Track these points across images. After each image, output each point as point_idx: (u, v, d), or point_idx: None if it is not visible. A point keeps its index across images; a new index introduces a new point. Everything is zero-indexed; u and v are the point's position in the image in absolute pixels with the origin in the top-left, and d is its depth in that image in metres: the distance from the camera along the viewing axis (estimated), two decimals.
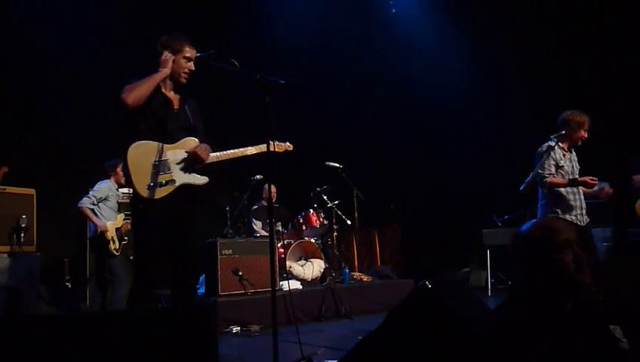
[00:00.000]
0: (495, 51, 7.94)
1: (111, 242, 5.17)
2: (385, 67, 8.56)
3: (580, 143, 4.34)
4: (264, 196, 7.08)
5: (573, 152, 4.43)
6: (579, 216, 4.24)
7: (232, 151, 3.30)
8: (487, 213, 7.80)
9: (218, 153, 3.22)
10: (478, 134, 8.02)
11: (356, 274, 6.79)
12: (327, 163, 6.55)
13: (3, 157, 5.26)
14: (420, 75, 8.36)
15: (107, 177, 5.41)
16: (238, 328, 4.96)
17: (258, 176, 6.52)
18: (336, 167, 6.54)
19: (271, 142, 3.45)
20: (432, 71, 8.30)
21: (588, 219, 4.31)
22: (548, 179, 4.16)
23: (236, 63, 2.88)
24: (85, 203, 5.15)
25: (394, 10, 8.82)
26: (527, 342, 1.71)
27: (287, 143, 3.62)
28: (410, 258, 8.35)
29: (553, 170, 4.21)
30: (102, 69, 6.15)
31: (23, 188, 5.25)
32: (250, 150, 3.36)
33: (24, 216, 5.09)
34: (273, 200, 6.80)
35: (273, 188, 6.65)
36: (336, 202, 6.73)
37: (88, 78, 6.29)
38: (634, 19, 6.85)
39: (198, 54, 3.12)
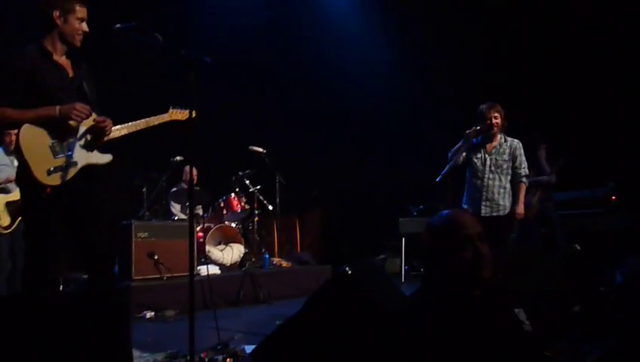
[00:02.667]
0: (420, 42, 8.18)
1: None
2: (311, 54, 8.56)
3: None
4: (184, 178, 6.89)
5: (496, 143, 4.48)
6: (481, 207, 4.38)
7: (133, 123, 3.06)
8: (404, 202, 8.10)
9: (119, 126, 2.97)
10: (399, 124, 8.27)
11: (276, 260, 6.80)
12: (250, 147, 6.48)
13: None
14: (345, 63, 8.45)
15: None
16: (152, 313, 4.82)
17: (178, 158, 6.32)
18: (260, 151, 6.49)
19: (173, 110, 3.39)
20: (357, 60, 8.42)
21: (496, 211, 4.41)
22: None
23: (159, 37, 2.71)
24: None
25: None
26: (438, 329, 1.79)
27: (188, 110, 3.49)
28: (329, 244, 8.48)
29: None
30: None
31: None
32: (153, 120, 3.21)
33: None
34: (194, 183, 6.68)
35: (194, 171, 6.47)
36: (259, 187, 6.68)
37: None
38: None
39: (118, 25, 2.90)
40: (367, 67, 8.36)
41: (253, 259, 6.27)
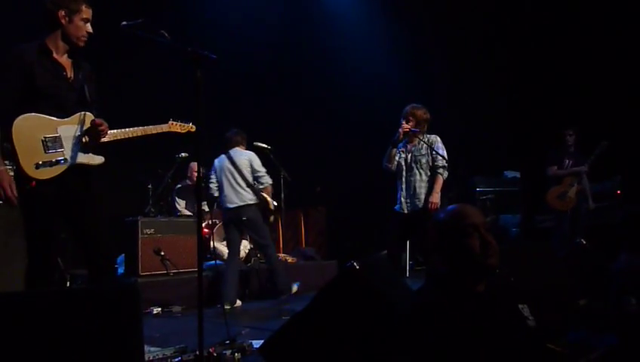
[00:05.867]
0: (423, 42, 8.17)
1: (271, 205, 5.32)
2: (315, 51, 8.56)
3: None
4: (189, 175, 6.91)
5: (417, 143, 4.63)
6: (403, 204, 4.55)
7: (131, 129, 3.07)
8: None
9: (116, 131, 2.97)
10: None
11: (281, 255, 6.81)
12: (255, 143, 6.48)
13: None
14: (349, 60, 8.46)
15: (237, 145, 5.59)
16: (159, 309, 4.87)
17: (183, 154, 6.33)
18: (264, 147, 6.49)
19: (173, 122, 3.43)
20: (361, 57, 8.43)
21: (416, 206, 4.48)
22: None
23: (166, 34, 2.72)
24: (269, 180, 5.50)
25: None
26: (444, 323, 1.81)
27: (190, 124, 3.50)
28: (334, 240, 8.50)
29: None
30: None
31: None
32: (151, 129, 3.22)
33: None
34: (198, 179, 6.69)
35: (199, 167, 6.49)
36: None
37: None
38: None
39: (124, 23, 2.89)
40: (372, 64, 8.35)
41: (259, 255, 6.29)
